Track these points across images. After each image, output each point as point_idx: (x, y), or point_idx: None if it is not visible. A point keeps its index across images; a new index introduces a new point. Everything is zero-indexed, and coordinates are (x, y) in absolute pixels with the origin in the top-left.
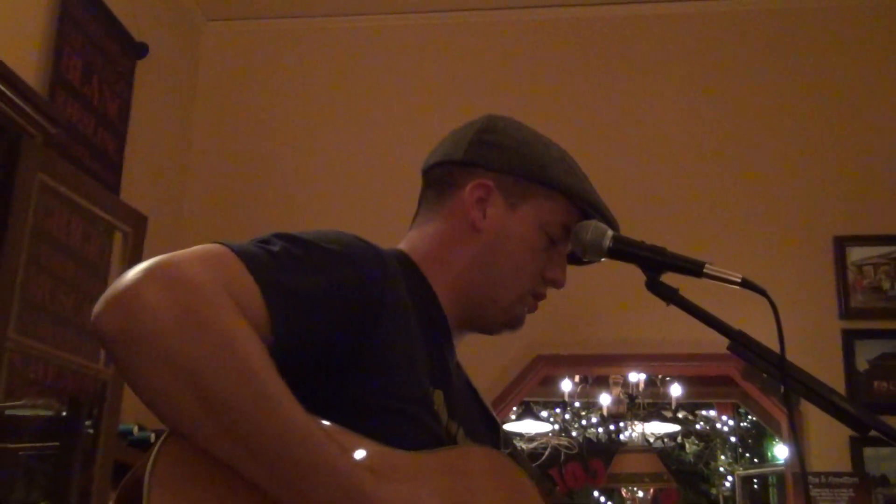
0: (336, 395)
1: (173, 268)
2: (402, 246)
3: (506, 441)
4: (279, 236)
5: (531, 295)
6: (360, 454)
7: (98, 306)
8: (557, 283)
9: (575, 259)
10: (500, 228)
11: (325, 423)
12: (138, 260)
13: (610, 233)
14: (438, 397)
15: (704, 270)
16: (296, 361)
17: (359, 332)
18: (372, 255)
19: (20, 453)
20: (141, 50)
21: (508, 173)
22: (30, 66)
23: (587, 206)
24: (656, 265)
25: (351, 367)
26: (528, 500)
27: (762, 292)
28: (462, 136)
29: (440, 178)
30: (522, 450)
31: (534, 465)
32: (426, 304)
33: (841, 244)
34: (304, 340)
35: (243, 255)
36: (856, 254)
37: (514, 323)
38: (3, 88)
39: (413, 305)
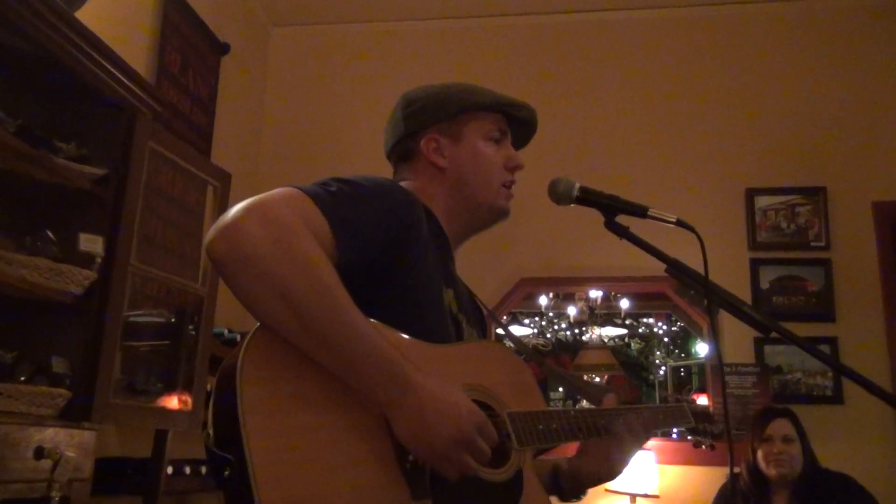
0: (381, 297)
1: (265, 206)
2: None
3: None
4: (334, 179)
5: (503, 186)
6: (402, 348)
7: (209, 236)
8: (517, 166)
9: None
10: (457, 159)
11: (375, 321)
12: (226, 207)
13: (577, 185)
14: (449, 294)
15: (648, 213)
16: (355, 274)
17: (398, 248)
18: (401, 189)
19: (141, 349)
20: (224, 48)
21: (440, 121)
22: (141, 60)
23: (499, 106)
24: (612, 209)
25: (392, 275)
26: (527, 380)
27: (691, 229)
28: (397, 118)
29: (401, 153)
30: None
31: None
32: (432, 225)
33: (751, 194)
34: (360, 257)
35: (313, 195)
36: (762, 201)
37: (502, 213)
38: (122, 77)
39: (426, 226)
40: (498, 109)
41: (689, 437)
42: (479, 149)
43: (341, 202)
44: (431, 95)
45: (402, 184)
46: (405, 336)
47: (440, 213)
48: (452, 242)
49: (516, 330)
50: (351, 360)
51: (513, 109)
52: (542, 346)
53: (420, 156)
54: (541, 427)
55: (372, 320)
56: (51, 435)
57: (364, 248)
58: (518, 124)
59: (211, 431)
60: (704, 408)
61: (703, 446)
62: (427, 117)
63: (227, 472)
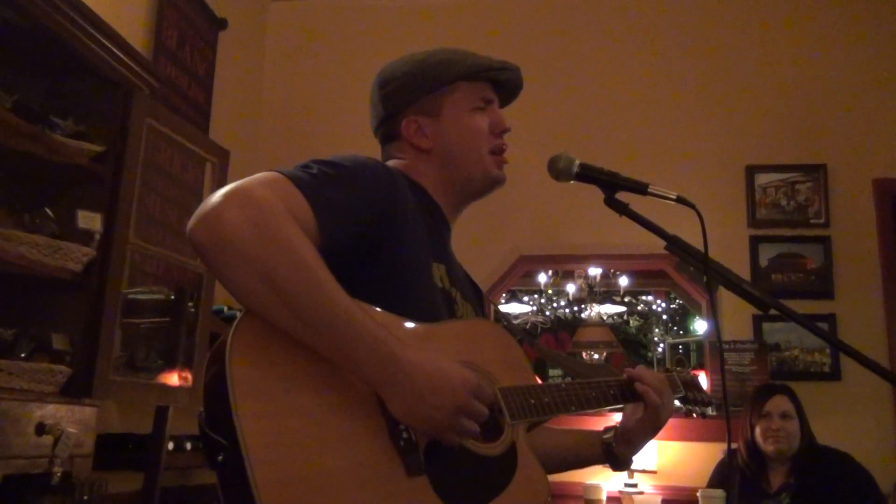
0: (367, 276)
1: (245, 191)
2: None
3: (490, 307)
4: (315, 161)
5: (494, 153)
6: (389, 327)
7: (190, 223)
8: (504, 129)
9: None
10: (441, 136)
11: (361, 302)
12: (223, 184)
13: (577, 161)
14: (440, 269)
15: (648, 190)
16: (338, 255)
17: (382, 226)
18: (382, 167)
19: (141, 326)
20: (222, 24)
21: (418, 100)
22: (139, 37)
23: (480, 73)
24: (612, 186)
25: (377, 254)
26: (518, 357)
27: (692, 206)
28: (376, 100)
29: (385, 135)
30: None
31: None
32: (423, 200)
33: (751, 171)
34: (343, 237)
35: (293, 178)
36: (762, 179)
37: (496, 182)
38: (119, 54)
39: (414, 202)
40: (478, 78)
41: (681, 406)
42: (461, 122)
43: (322, 183)
44: (406, 73)
45: (391, 162)
46: (392, 315)
47: (431, 187)
48: (448, 214)
49: (516, 308)
50: (338, 340)
51: (494, 74)
52: (542, 323)
53: (403, 138)
54: (532, 401)
55: (358, 300)
56: (52, 411)
57: (346, 229)
58: (503, 85)
59: (204, 412)
60: (693, 377)
61: (695, 414)
62: (404, 97)
63: (220, 457)
